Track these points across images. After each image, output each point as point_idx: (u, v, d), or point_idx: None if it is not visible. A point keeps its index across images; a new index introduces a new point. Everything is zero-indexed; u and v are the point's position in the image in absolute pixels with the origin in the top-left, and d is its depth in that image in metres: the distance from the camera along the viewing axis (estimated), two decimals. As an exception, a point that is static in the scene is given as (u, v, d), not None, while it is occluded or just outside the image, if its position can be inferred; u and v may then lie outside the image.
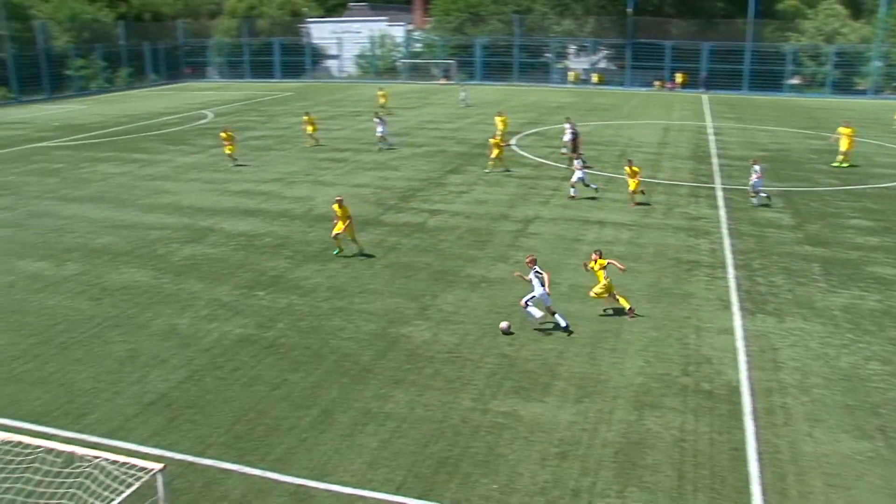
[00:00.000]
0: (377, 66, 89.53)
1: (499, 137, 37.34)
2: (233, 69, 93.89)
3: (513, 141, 43.68)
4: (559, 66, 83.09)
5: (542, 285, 17.95)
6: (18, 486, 9.72)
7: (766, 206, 29.62)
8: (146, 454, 12.65)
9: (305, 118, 44.50)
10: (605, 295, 18.87)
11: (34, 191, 33.63)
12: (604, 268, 18.80)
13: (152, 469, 8.46)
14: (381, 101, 57.66)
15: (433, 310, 19.47)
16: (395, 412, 14.47)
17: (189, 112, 61.08)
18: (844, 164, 37.35)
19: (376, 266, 22.83)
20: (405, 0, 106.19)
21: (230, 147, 38.33)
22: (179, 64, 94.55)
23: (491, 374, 15.97)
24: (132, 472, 8.54)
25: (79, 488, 9.02)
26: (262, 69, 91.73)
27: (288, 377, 15.93)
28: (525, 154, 39.58)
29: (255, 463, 12.90)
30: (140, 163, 39.59)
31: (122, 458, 8.57)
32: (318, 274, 22.16)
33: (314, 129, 43.61)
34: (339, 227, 23.56)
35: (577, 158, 31.77)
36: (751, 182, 29.91)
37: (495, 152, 35.52)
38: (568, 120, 39.14)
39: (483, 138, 36.83)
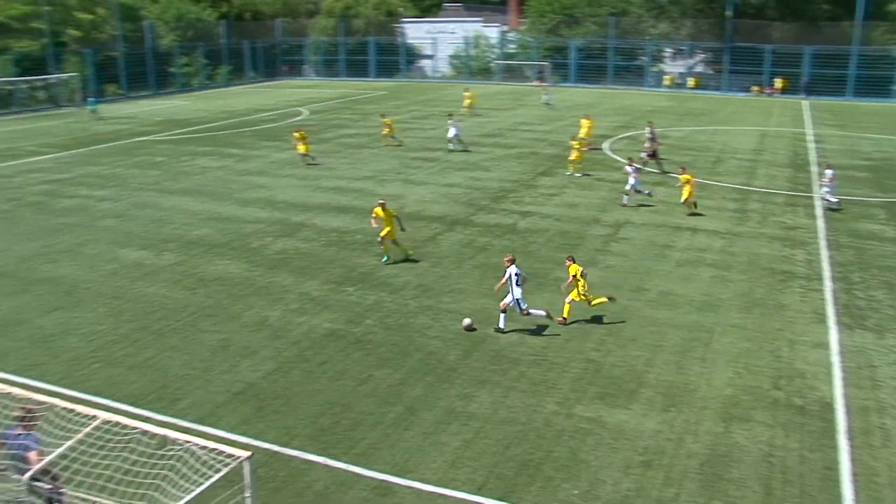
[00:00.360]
0: (471, 67, 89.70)
1: (579, 140, 36.90)
2: (328, 68, 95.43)
3: (605, 145, 43.18)
4: (654, 69, 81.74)
5: (519, 285, 17.78)
6: (116, 463, 10.08)
7: (836, 210, 28.87)
8: (234, 441, 12.96)
9: (383, 120, 44.74)
10: (586, 298, 18.40)
11: (137, 183, 34.87)
12: (581, 274, 18.31)
13: (240, 456, 8.64)
14: (467, 101, 57.69)
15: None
16: (478, 412, 14.46)
17: (285, 109, 62.36)
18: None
19: (465, 266, 22.87)
20: (500, 1, 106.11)
21: (304, 146, 38.56)
22: (277, 62, 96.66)
23: (576, 378, 15.82)
24: (220, 458, 8.74)
25: (170, 470, 9.29)
26: (357, 68, 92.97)
27: (374, 373, 16.10)
28: (618, 158, 39.05)
29: (339, 456, 13.07)
30: (236, 157, 40.62)
31: (211, 444, 8.78)
32: (408, 272, 22.33)
33: (390, 131, 43.87)
34: (385, 232, 22.98)
35: (630, 165, 30.91)
36: (821, 188, 29.48)
37: (574, 155, 35.29)
38: (649, 124, 38.51)
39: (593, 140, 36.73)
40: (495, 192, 32.35)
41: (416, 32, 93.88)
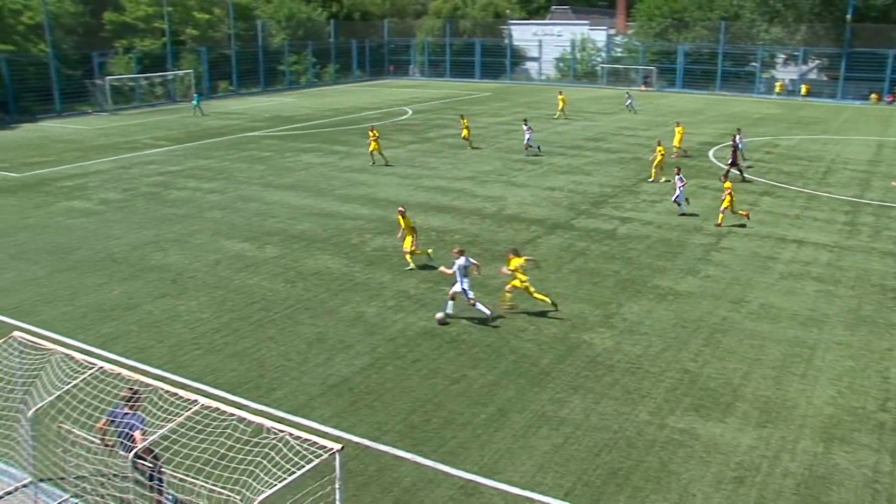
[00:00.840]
0: (576, 70, 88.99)
1: (663, 147, 35.95)
2: (434, 68, 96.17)
3: (710, 152, 42.19)
4: (765, 75, 79.32)
5: (465, 276, 18.57)
6: (213, 448, 10.42)
7: None
8: (326, 433, 13.22)
9: (463, 121, 44.69)
10: (510, 295, 19.17)
11: (243, 177, 35.91)
12: (521, 268, 18.87)
13: (331, 449, 8.80)
14: (560, 105, 57.22)
15: (617, 318, 19.15)
16: (569, 418, 14.36)
17: (390, 108, 63.16)
18: None
19: (563, 270, 22.72)
20: (608, 4, 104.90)
21: (375, 144, 38.58)
22: (383, 61, 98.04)
23: (671, 388, 15.52)
24: (312, 449, 8.92)
25: (264, 458, 9.53)
26: (462, 69, 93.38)
27: (467, 373, 16.16)
28: (723, 166, 38.10)
29: (428, 454, 13.18)
30: (340, 154, 41.36)
31: (304, 435, 8.98)
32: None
33: (468, 133, 43.68)
34: (407, 243, 22.62)
35: (677, 174, 29.75)
36: None
37: (658, 159, 34.78)
38: (738, 132, 37.49)
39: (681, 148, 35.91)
40: (596, 196, 32.02)
41: (522, 34, 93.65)
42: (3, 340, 11.94)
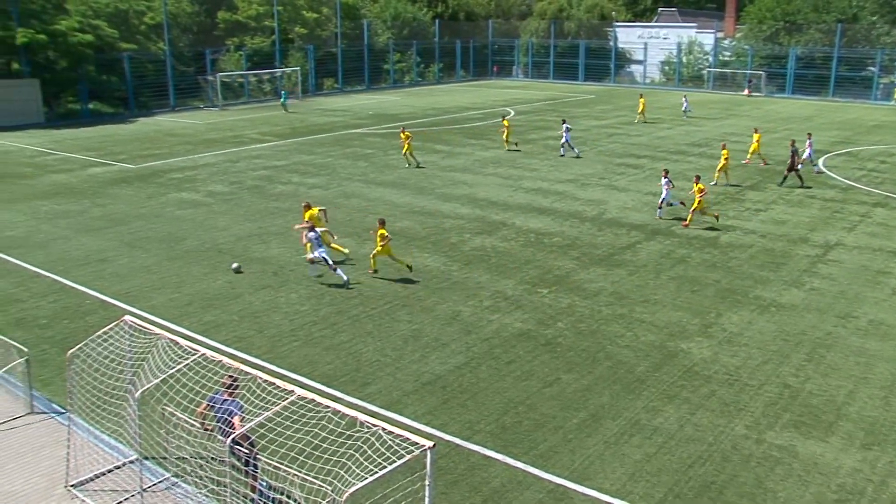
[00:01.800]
0: (682, 74, 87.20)
1: (727, 150, 34.77)
2: (537, 69, 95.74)
3: (821, 161, 40.68)
4: (883, 80, 75.97)
5: (320, 246, 21.34)
6: (308, 438, 10.63)
7: None
8: (418, 430, 13.33)
9: (504, 122, 44.14)
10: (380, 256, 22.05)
11: (346, 173, 36.52)
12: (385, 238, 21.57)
13: (423, 445, 8.86)
14: (640, 108, 56.06)
15: (716, 328, 18.70)
16: (663, 427, 14.09)
17: (492, 108, 63.20)
18: None
19: (662, 277, 22.31)
20: (717, 6, 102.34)
21: (407, 146, 38.36)
22: (487, 62, 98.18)
23: (770, 403, 15.05)
24: (405, 444, 9.00)
25: (356, 451, 9.67)
26: (565, 71, 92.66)
27: (561, 377, 16.04)
28: (833, 175, 36.74)
29: (519, 455, 13.13)
30: (442, 154, 41.61)
31: (396, 430, 9.06)
32: (603, 278, 22.06)
33: (508, 135, 43.09)
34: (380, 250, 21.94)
35: (664, 177, 28.85)
36: None
37: (721, 163, 34.19)
38: (808, 136, 36.36)
39: (787, 155, 34.63)
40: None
41: (627, 37, 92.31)
42: (115, 323, 12.46)
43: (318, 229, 21.86)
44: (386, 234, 21.67)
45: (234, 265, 22.74)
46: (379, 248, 21.75)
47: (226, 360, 11.22)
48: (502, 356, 16.99)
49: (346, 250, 23.79)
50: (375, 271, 22.30)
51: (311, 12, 78.03)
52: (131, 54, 63.61)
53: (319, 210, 23.45)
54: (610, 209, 29.92)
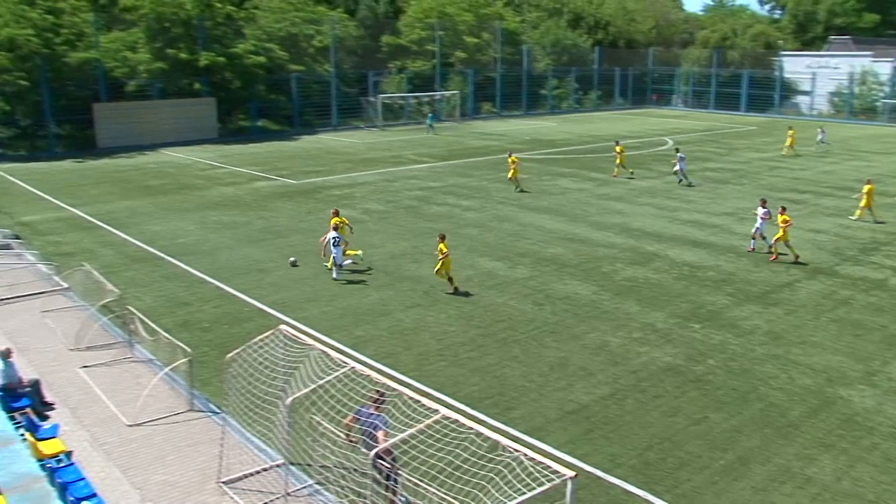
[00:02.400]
0: (853, 106, 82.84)
1: (872, 184, 32.77)
2: (697, 99, 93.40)
3: None
4: None
5: (336, 245, 23.84)
6: (449, 458, 10.67)
7: None
8: (559, 458, 13.11)
9: (617, 148, 43.17)
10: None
11: (500, 197, 36.71)
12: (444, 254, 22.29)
13: (564, 475, 8.70)
14: (789, 140, 53.28)
15: (881, 377, 17.52)
16: (817, 478, 13.29)
17: (650, 137, 62.10)
18: None
19: (822, 318, 21.15)
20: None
21: (514, 171, 38.49)
22: (646, 90, 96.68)
23: (944, 461, 13.93)
24: (545, 472, 8.87)
25: (497, 475, 9.61)
26: (727, 101, 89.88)
27: (709, 415, 15.45)
28: None
29: (661, 493, 12.71)
30: (597, 182, 41.17)
31: (538, 457, 8.95)
32: (758, 316, 21.15)
33: (622, 160, 42.80)
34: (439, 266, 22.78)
35: (762, 206, 27.64)
36: None
37: (864, 200, 32.79)
38: None
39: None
40: (866, 242, 29.53)
41: (794, 66, 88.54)
42: (271, 332, 12.95)
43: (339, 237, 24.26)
44: (445, 249, 22.30)
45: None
46: (439, 266, 22.53)
47: (374, 374, 11.44)
48: (649, 390, 16.54)
49: (360, 252, 25.66)
50: (456, 289, 22.73)
51: (472, 37, 79.27)
52: (299, 75, 66.70)
53: (346, 224, 25.59)
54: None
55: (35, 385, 15.41)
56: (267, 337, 12.93)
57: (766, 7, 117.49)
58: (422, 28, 77.40)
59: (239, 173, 44.51)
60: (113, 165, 49.17)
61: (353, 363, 11.60)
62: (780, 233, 26.58)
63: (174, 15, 59.15)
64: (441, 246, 22.34)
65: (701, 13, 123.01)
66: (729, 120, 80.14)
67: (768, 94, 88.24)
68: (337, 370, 11.65)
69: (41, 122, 56.34)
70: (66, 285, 23.22)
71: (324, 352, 12.05)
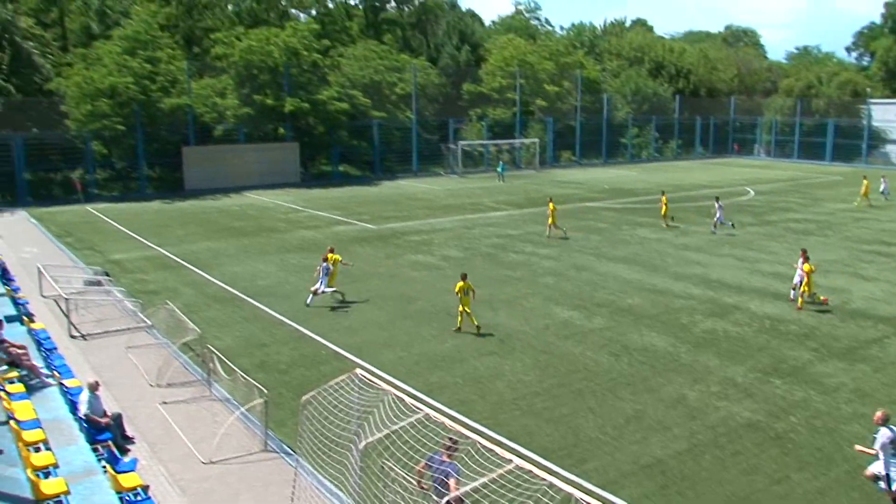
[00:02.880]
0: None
1: None
2: (780, 148, 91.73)
3: None
4: None
5: (326, 275, 26.39)
6: (520, 509, 10.54)
7: None
8: (635, 515, 12.83)
9: (663, 199, 42.01)
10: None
11: (579, 245, 36.53)
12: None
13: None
14: (863, 190, 51.57)
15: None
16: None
17: (731, 187, 61.11)
18: None
19: (914, 378, 20.31)
20: None
21: (552, 218, 38.83)
22: (727, 139, 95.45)
23: None
24: (619, 528, 8.71)
25: (569, 529, 9.46)
26: (811, 150, 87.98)
27: (791, 475, 14.92)
28: None
29: (742, 556, 12.29)
30: (676, 231, 40.62)
31: (612, 513, 8.79)
32: (844, 373, 20.43)
33: (665, 211, 42.52)
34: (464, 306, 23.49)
35: (802, 256, 27.03)
36: None
37: None
38: None
39: None
40: (963, 299, 28.33)
41: (884, 114, 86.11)
42: (346, 375, 13.08)
43: (329, 267, 26.65)
44: (464, 286, 23.09)
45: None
46: (461, 308, 23.23)
47: (447, 421, 11.42)
48: (727, 446, 16.08)
49: (340, 294, 27.11)
50: (478, 327, 23.29)
51: (552, 86, 79.75)
52: (381, 121, 68.03)
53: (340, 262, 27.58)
54: (854, 299, 27.77)
55: (117, 419, 15.88)
56: (342, 380, 13.06)
57: (854, 55, 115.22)
58: (502, 76, 78.22)
59: (319, 217, 45.38)
60: (199, 207, 50.73)
61: (426, 409, 11.62)
62: (805, 282, 26.38)
63: (262, 63, 61.21)
64: (460, 284, 23.24)
65: (784, 62, 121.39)
66: (813, 170, 78.41)
67: (855, 143, 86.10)
68: (410, 416, 11.67)
69: (134, 164, 58.79)
70: (150, 322, 23.91)
71: (398, 397, 12.10)
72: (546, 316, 25.08)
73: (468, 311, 23.17)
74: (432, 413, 11.54)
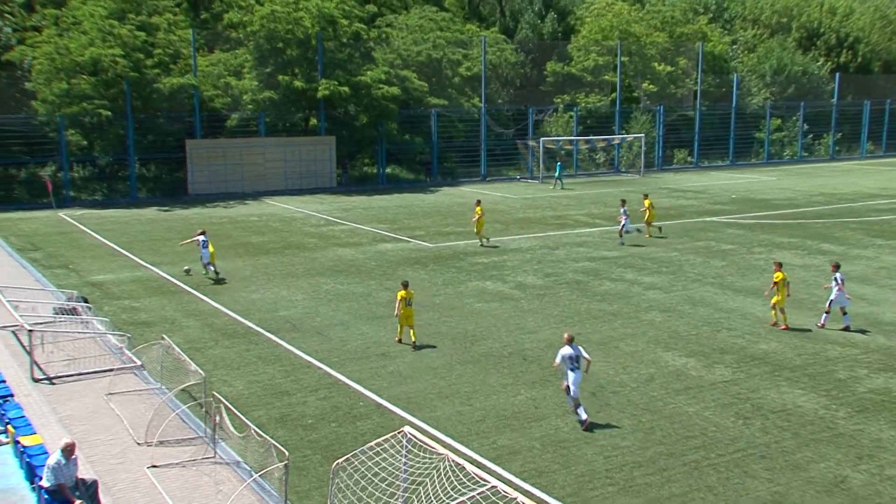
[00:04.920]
0: None
1: None
2: None
3: None
4: None
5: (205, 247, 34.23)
6: None
7: None
8: None
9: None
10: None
11: (695, 272, 36.08)
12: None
13: None
14: None
15: None
16: None
17: (905, 200, 59.97)
18: None
19: None
20: None
21: (481, 221, 41.13)
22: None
23: None
24: None
25: None
26: None
27: None
28: None
29: None
30: (831, 255, 39.83)
31: None
32: None
33: (650, 216, 44.14)
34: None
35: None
36: None
37: None
38: None
39: None
40: None
41: None
42: (391, 434, 13.03)
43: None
44: (404, 295, 25.75)
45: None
46: (399, 314, 26.07)
47: (521, 497, 11.27)
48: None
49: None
50: (414, 343, 26.06)
51: (663, 64, 79.10)
52: (440, 111, 68.05)
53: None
54: None
55: (91, 488, 15.93)
56: (386, 440, 13.01)
57: None
58: (598, 52, 77.97)
59: (361, 231, 45.71)
60: (205, 216, 51.56)
61: (494, 481, 11.50)
62: (777, 294, 28.56)
63: (289, 34, 61.69)
64: (401, 293, 25.95)
65: None
66: None
67: None
68: (474, 489, 11.56)
69: (122, 160, 59.75)
70: (139, 362, 24.22)
71: (457, 463, 11.99)
72: (651, 363, 24.78)
73: (411, 325, 26.22)
74: (501, 486, 11.40)
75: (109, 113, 55.66)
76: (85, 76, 55.29)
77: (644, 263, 37.82)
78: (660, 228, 44.74)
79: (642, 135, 74.63)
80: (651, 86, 78.70)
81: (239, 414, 18.35)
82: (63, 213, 52.48)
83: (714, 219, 50.37)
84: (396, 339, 26.73)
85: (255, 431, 17.33)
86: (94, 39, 55.76)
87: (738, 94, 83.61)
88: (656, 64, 79.02)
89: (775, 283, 28.50)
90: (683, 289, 33.41)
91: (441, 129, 68.70)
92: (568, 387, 20.56)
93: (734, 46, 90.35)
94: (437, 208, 53.72)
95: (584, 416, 20.20)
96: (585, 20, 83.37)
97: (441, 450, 12.44)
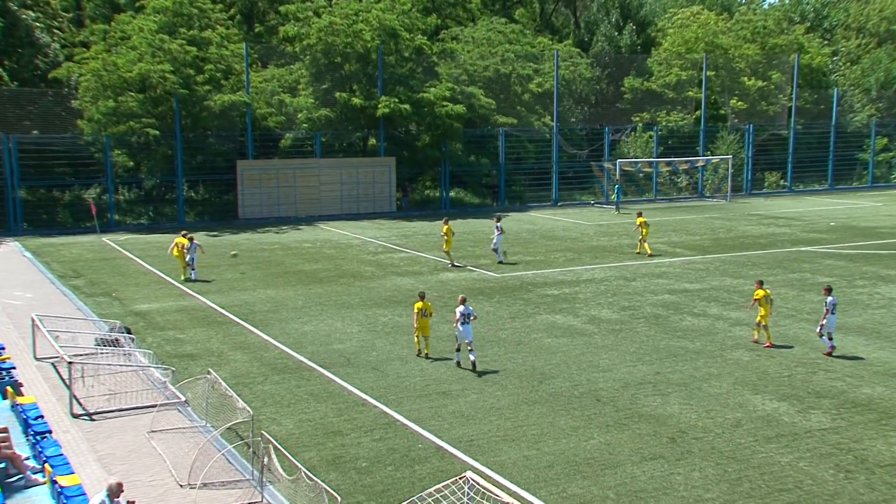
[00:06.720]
0: None
1: None
2: None
3: None
4: None
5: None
6: None
7: None
8: None
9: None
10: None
11: (789, 308, 35.64)
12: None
13: None
14: None
15: None
16: None
17: None
18: None
19: None
20: None
21: (449, 241, 44.01)
22: None
23: None
24: None
25: None
26: None
27: None
28: None
29: None
30: (937, 291, 39.20)
31: None
32: None
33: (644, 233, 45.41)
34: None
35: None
36: None
37: None
38: None
39: None
40: None
41: None
42: (452, 480, 12.98)
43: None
44: (421, 307, 28.22)
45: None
46: (416, 326, 28.81)
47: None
48: None
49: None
50: (425, 353, 28.79)
51: (754, 79, 78.44)
52: (508, 130, 68.18)
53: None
54: None
55: (131, 533, 15.99)
56: (447, 486, 12.97)
57: None
58: (681, 66, 77.61)
59: (421, 260, 45.84)
60: (256, 241, 52.04)
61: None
62: (761, 312, 30.24)
63: (348, 48, 62.15)
64: (417, 304, 28.48)
65: None
66: None
67: None
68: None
69: (170, 182, 60.65)
70: (183, 398, 24.42)
71: (524, 513, 11.91)
72: (738, 407, 24.46)
73: (426, 335, 28.81)
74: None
75: (157, 132, 56.36)
76: (133, 93, 56.17)
77: (730, 297, 37.42)
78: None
79: (729, 156, 74.05)
80: (740, 103, 78.08)
81: (288, 455, 18.41)
82: (107, 238, 53.29)
83: (810, 248, 49.75)
84: (416, 352, 29.12)
85: (306, 474, 17.40)
86: (143, 55, 56.62)
87: (839, 111, 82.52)
88: (746, 79, 78.43)
89: (755, 299, 30.28)
90: (774, 325, 32.95)
91: (509, 150, 68.74)
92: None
93: (835, 58, 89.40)
94: (505, 235, 53.68)
95: (472, 358, 27.13)
96: (667, 32, 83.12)
97: (506, 498, 12.37)
